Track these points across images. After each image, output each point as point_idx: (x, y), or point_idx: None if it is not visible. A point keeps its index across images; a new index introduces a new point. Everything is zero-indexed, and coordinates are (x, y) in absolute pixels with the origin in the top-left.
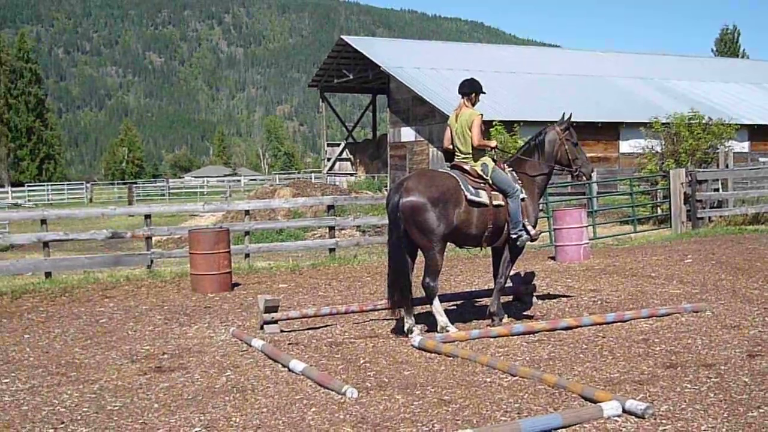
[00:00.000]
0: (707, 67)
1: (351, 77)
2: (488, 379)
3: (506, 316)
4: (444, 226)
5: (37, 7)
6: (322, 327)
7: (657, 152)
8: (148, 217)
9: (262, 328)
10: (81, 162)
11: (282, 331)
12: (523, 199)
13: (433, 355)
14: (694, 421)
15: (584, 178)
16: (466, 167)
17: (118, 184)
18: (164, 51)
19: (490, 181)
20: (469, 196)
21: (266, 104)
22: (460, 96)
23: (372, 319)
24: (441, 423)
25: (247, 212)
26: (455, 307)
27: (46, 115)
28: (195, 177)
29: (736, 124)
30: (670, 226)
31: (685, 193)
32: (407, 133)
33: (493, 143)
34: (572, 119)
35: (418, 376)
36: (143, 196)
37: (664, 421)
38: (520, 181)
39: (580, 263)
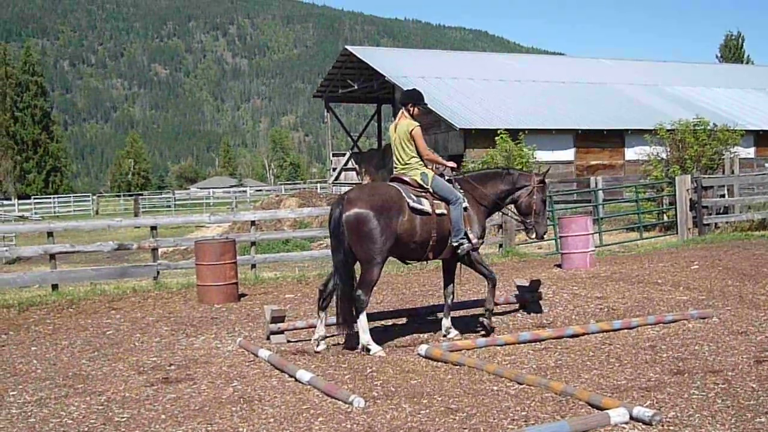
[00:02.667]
0: (712, 74)
1: (356, 87)
2: (495, 388)
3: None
4: (387, 235)
5: (43, 20)
6: (328, 337)
7: (662, 159)
8: (154, 228)
9: (268, 338)
10: (87, 174)
11: (288, 341)
12: (465, 209)
13: (439, 363)
14: (702, 428)
15: (534, 236)
16: (406, 178)
17: (124, 195)
18: (169, 63)
19: (431, 190)
20: (412, 204)
21: (271, 115)
22: (400, 106)
23: (378, 328)
24: None
25: (253, 223)
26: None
27: (52, 128)
28: (201, 188)
29: (742, 130)
30: (677, 233)
31: (691, 199)
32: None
33: (451, 164)
34: (578, 126)
35: (425, 385)
36: (149, 207)
37: (671, 428)
38: (462, 190)
39: (586, 270)
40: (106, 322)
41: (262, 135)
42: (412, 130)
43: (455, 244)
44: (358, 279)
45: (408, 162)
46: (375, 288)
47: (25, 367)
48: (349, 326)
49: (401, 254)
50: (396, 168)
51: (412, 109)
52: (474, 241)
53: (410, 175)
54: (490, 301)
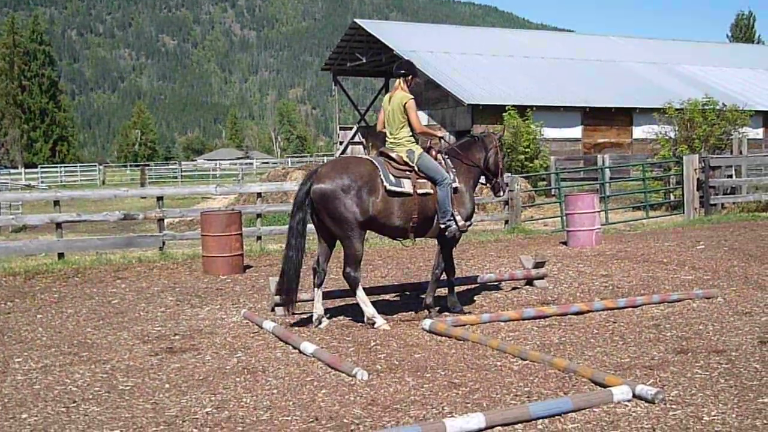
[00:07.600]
0: (721, 53)
1: (364, 61)
2: (498, 363)
3: (462, 309)
4: (358, 213)
5: None
6: (332, 309)
7: (670, 138)
8: (160, 199)
9: (273, 310)
10: (94, 144)
11: (293, 313)
12: (456, 189)
13: (443, 338)
14: (704, 407)
15: (501, 194)
16: (392, 154)
17: (130, 166)
18: (177, 33)
19: (416, 168)
20: (388, 186)
21: (279, 87)
22: (396, 77)
23: (382, 302)
24: (451, 406)
25: (259, 195)
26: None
27: (60, 97)
28: (207, 160)
29: (751, 111)
30: (683, 212)
31: (698, 179)
32: (420, 117)
33: (440, 133)
34: (586, 104)
35: (428, 359)
36: (156, 178)
37: (674, 407)
38: (454, 170)
39: (592, 248)
40: (111, 291)
41: (269, 107)
42: (406, 102)
43: (442, 226)
44: (341, 257)
45: (398, 137)
46: (380, 262)
47: (31, 334)
48: (292, 297)
49: (378, 231)
50: (387, 141)
51: (410, 80)
52: (461, 223)
53: (397, 152)
54: (430, 296)
